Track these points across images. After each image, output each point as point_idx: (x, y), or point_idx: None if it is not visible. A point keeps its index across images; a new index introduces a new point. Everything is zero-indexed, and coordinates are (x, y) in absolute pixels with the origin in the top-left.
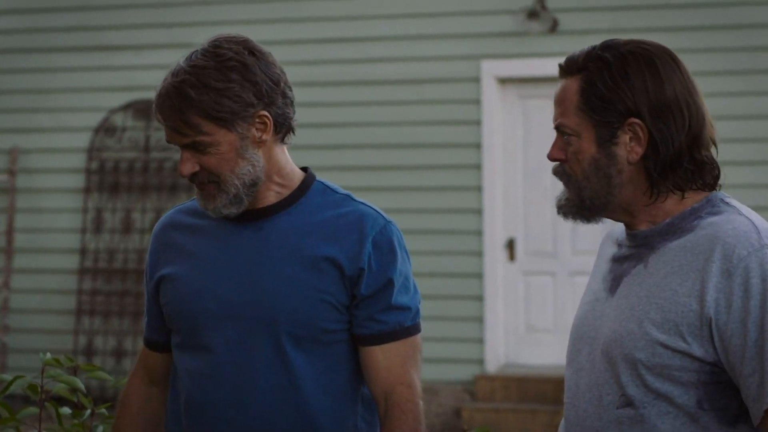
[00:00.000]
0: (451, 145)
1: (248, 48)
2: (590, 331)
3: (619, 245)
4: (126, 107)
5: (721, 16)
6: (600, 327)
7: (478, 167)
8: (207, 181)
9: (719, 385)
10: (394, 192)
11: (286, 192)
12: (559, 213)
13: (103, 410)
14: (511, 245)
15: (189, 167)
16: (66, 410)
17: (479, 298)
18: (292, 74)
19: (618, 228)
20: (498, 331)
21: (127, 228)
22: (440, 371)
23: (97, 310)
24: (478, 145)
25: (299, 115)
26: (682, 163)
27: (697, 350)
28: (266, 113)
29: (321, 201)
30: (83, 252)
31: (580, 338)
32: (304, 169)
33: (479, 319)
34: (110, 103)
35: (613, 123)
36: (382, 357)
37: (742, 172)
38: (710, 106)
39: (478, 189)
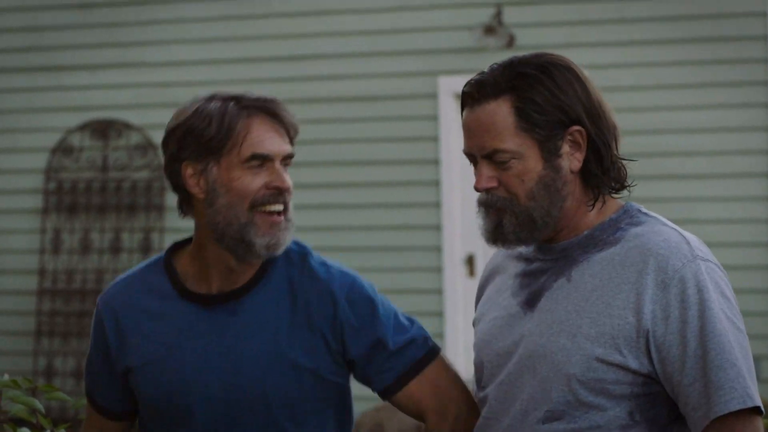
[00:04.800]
0: (408, 162)
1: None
2: (509, 347)
3: (528, 259)
4: (83, 127)
5: (677, 30)
6: (521, 343)
7: (436, 183)
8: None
9: (650, 396)
10: (350, 209)
11: (252, 270)
12: (497, 244)
13: (63, 431)
14: (470, 261)
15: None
16: (25, 431)
17: (439, 314)
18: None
19: None
20: (458, 347)
21: (85, 248)
22: None
23: (56, 331)
24: (436, 161)
25: None
26: (614, 165)
27: (633, 363)
28: None
29: (285, 271)
30: (42, 273)
31: (497, 355)
32: None
33: (440, 336)
34: (67, 123)
35: (557, 134)
36: (408, 399)
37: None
38: (666, 118)
39: (437, 205)
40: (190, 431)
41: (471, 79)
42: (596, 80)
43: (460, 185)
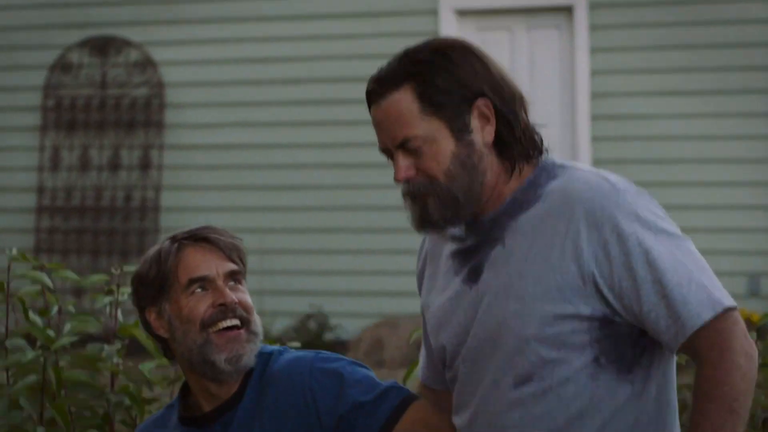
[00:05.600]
0: None
1: None
2: (464, 324)
3: (460, 239)
4: (82, 44)
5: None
6: (474, 317)
7: None
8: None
9: (611, 337)
10: (348, 127)
11: (236, 383)
12: (426, 230)
13: (70, 308)
14: None
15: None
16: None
17: None
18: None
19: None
20: None
21: (84, 165)
22: (400, 305)
23: (55, 248)
24: None
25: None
26: (526, 133)
27: (585, 309)
28: None
29: (260, 373)
30: (41, 190)
31: (455, 335)
32: None
33: None
34: (66, 40)
35: (463, 111)
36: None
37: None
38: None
39: None
40: None
41: (371, 77)
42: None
43: None
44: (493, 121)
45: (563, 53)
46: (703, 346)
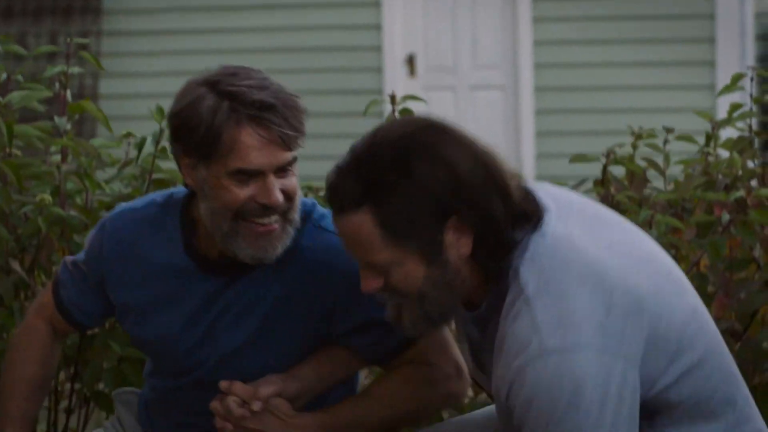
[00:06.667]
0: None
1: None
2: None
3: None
4: None
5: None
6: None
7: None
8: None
9: None
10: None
11: None
12: (404, 332)
13: (19, 77)
14: (411, 61)
15: (280, 194)
16: None
17: (379, 116)
18: None
19: None
20: None
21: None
22: None
23: None
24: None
25: None
26: (508, 226)
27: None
28: None
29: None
30: None
31: None
32: None
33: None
34: None
35: (434, 232)
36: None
37: None
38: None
39: (377, 5)
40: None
41: (327, 180)
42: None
43: None
44: (470, 232)
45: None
46: None
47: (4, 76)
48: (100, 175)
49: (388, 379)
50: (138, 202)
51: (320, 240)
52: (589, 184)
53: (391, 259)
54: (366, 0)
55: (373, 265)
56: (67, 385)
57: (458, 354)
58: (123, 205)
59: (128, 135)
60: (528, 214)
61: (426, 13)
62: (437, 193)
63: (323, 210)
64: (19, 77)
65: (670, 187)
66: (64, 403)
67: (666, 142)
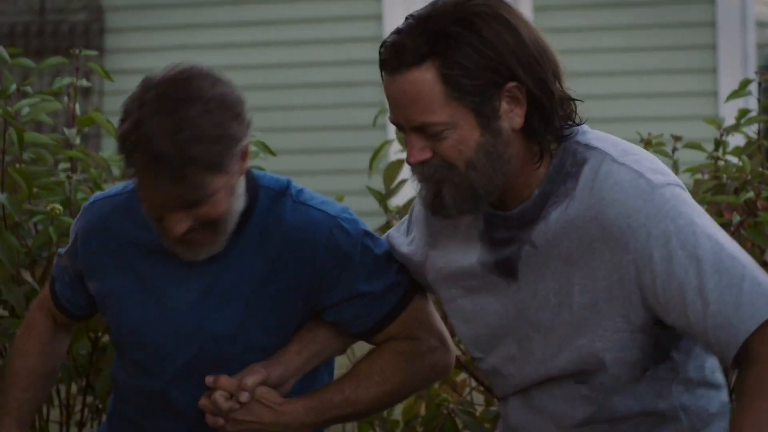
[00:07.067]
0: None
1: (215, 76)
2: (505, 320)
3: (490, 224)
4: None
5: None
6: (519, 316)
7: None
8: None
9: (658, 343)
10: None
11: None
12: (438, 214)
13: (28, 88)
14: None
15: (184, 226)
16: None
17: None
18: None
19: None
20: None
21: (25, 93)
22: None
23: None
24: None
25: None
26: (557, 110)
27: (636, 320)
28: (247, 143)
29: (260, 218)
30: None
31: (491, 327)
32: None
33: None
34: None
35: (492, 95)
36: (385, 336)
37: None
38: None
39: (378, 18)
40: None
41: (386, 41)
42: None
43: None
44: (524, 103)
45: None
46: (756, 344)
47: (13, 87)
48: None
49: (374, 356)
50: (113, 189)
51: (301, 214)
52: None
53: (448, 120)
54: (368, 13)
55: (428, 126)
56: (79, 398)
57: (442, 326)
58: (97, 194)
59: None
60: (570, 104)
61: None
62: (501, 53)
63: (299, 185)
64: (28, 89)
65: None
66: (75, 417)
67: (674, 150)
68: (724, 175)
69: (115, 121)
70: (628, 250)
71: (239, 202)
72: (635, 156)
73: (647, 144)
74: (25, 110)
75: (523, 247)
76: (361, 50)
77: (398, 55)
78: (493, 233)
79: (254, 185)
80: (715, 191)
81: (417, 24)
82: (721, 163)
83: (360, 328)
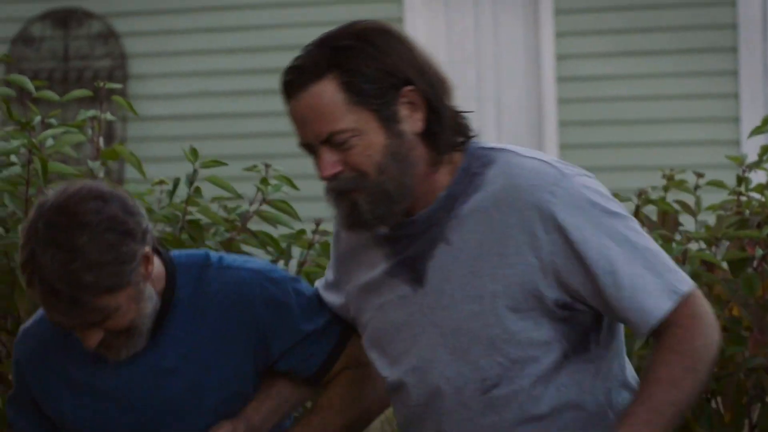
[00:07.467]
0: None
1: (104, 196)
2: (412, 330)
3: (392, 239)
4: (44, 17)
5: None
6: (424, 323)
7: None
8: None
9: (576, 327)
10: None
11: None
12: (356, 229)
13: (53, 120)
14: None
15: (96, 339)
16: None
17: None
18: None
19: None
20: None
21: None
22: None
23: None
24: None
25: None
26: (454, 119)
27: (548, 300)
28: (148, 249)
29: (188, 290)
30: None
31: (401, 341)
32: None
33: None
34: (27, 13)
35: (391, 99)
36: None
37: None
38: None
39: (399, 21)
40: None
41: (287, 67)
42: None
43: None
44: (422, 108)
45: (527, 17)
46: (670, 323)
47: (38, 119)
48: None
49: (331, 389)
50: (35, 316)
51: (229, 278)
52: None
53: (353, 126)
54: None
55: (335, 135)
56: None
57: None
58: (23, 327)
59: (161, 182)
60: (463, 119)
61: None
62: (395, 59)
63: (218, 254)
64: (53, 120)
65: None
66: None
67: (697, 187)
68: (747, 210)
69: (137, 147)
70: (542, 233)
71: (150, 303)
72: (540, 153)
73: (669, 180)
74: (49, 142)
75: (437, 246)
76: None
77: (300, 74)
78: (397, 242)
79: (171, 267)
80: (738, 226)
81: (315, 46)
82: (743, 198)
83: (312, 368)
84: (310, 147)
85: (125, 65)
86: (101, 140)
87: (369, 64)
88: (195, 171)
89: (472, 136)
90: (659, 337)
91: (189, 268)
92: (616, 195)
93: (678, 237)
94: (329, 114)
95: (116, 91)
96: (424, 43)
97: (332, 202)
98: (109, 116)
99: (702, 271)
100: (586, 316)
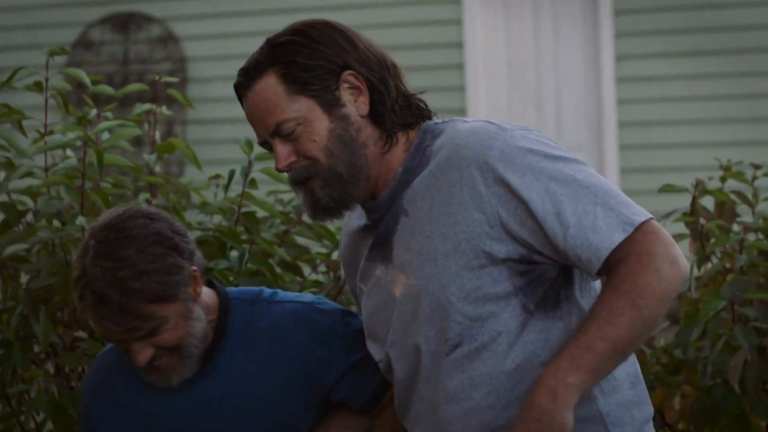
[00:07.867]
0: (432, 46)
1: (151, 215)
2: (387, 306)
3: (367, 227)
4: (103, 21)
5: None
6: (394, 296)
7: (460, 67)
8: (166, 357)
9: (533, 280)
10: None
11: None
12: (319, 216)
13: (108, 114)
14: None
15: (146, 355)
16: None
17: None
18: None
19: (351, 222)
20: None
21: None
22: None
23: None
24: (459, 45)
25: None
26: (399, 101)
27: (500, 253)
28: (195, 268)
29: (243, 321)
30: None
31: (382, 321)
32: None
33: None
34: (87, 18)
35: (331, 85)
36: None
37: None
38: None
39: (461, 89)
40: None
41: (238, 72)
42: None
43: (483, 68)
44: (365, 92)
45: (586, 18)
46: (621, 258)
47: (94, 113)
48: (188, 216)
49: (382, 417)
50: (105, 347)
51: (278, 311)
52: (677, 215)
53: (296, 115)
54: (450, 84)
55: (282, 125)
56: None
57: None
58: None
59: (217, 177)
60: (415, 101)
61: (510, 97)
62: (332, 46)
63: (271, 289)
64: (108, 114)
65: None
66: None
67: (755, 178)
68: None
69: (197, 150)
70: (483, 187)
71: (200, 324)
72: (488, 118)
73: (726, 170)
74: (105, 135)
75: (399, 220)
76: (441, 56)
77: (245, 76)
78: (374, 228)
79: (225, 300)
80: None
81: (258, 50)
82: None
83: (364, 397)
84: (267, 144)
85: (185, 68)
86: (158, 135)
87: (305, 54)
88: (250, 163)
89: (428, 116)
90: (608, 278)
91: (242, 302)
92: (673, 187)
93: (735, 228)
94: (273, 106)
95: (173, 86)
96: (483, 46)
97: (297, 194)
98: (165, 110)
99: (759, 261)
100: (549, 269)
